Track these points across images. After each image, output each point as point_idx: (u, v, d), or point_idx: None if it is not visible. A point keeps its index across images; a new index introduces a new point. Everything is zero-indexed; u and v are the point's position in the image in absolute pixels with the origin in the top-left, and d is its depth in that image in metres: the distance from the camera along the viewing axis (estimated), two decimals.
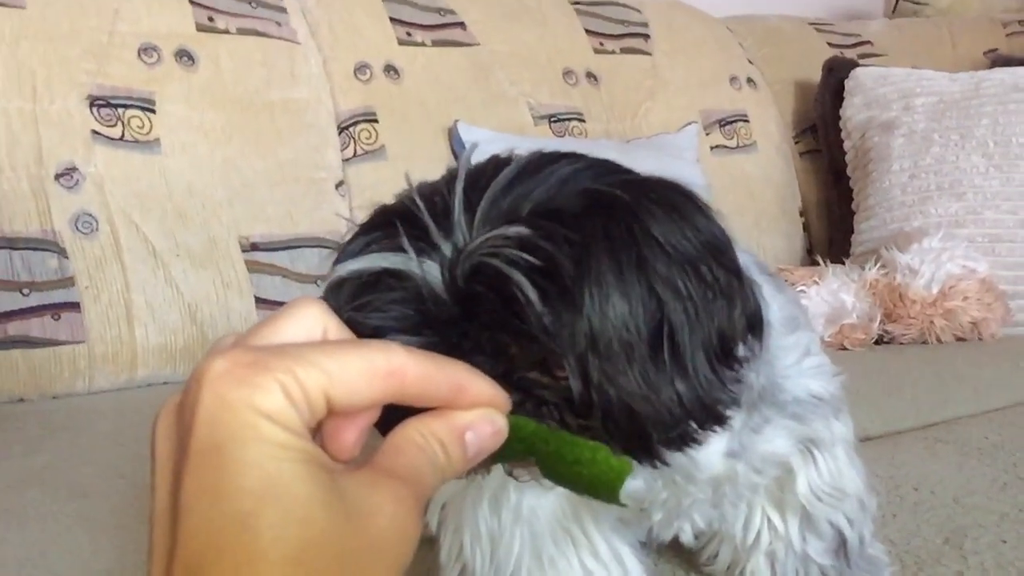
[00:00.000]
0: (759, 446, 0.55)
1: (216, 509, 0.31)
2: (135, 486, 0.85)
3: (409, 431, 0.37)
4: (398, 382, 0.35)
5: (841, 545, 0.61)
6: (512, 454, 0.42)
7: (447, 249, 0.43)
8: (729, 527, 0.62)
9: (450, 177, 0.45)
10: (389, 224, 0.45)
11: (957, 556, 0.68)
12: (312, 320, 0.37)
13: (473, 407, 0.38)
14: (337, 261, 0.46)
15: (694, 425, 0.44)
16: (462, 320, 0.43)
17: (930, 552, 0.69)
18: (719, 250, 0.44)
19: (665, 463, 0.45)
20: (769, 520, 0.61)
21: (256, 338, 0.36)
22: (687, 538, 0.62)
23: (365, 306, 0.44)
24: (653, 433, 0.43)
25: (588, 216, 0.42)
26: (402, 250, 0.43)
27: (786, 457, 0.58)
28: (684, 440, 0.44)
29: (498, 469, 0.57)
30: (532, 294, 0.41)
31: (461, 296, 0.43)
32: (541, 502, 0.58)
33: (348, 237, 0.47)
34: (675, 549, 0.66)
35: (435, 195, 0.45)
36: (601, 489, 0.43)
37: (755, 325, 0.46)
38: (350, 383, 0.34)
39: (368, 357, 0.35)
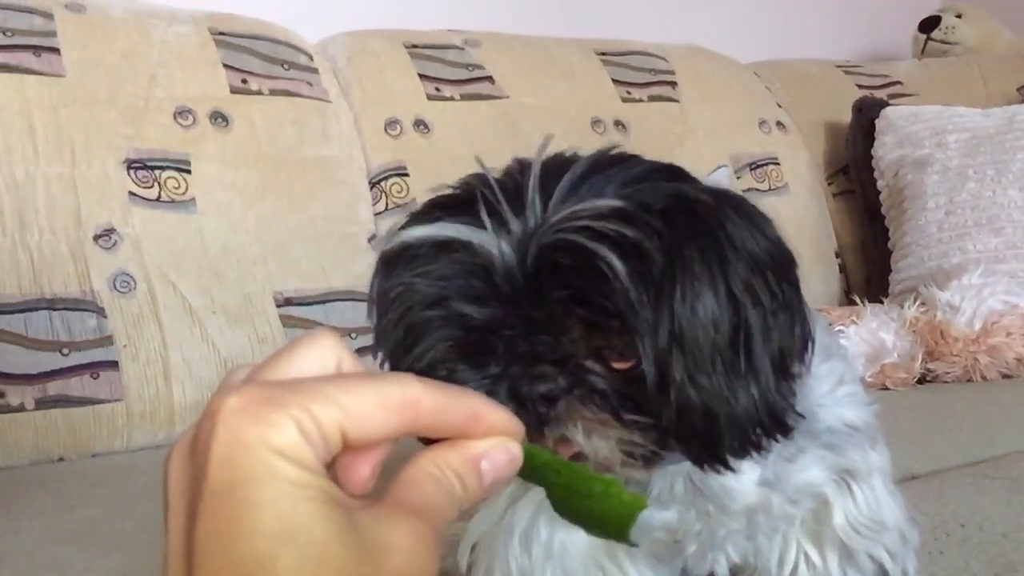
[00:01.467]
0: (793, 476, 0.54)
1: (232, 551, 0.31)
2: None
3: (424, 463, 0.37)
4: (413, 414, 0.35)
5: None
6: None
7: (516, 227, 0.43)
8: (765, 561, 0.61)
9: (520, 166, 0.46)
10: (458, 200, 0.46)
11: None
12: (326, 352, 0.37)
13: (488, 436, 0.38)
14: (401, 229, 0.46)
15: (763, 432, 0.44)
16: (531, 296, 0.43)
17: None
18: (787, 263, 0.45)
19: (731, 469, 0.45)
20: (806, 555, 0.60)
21: (269, 372, 0.36)
22: (722, 571, 0.61)
23: (429, 273, 0.44)
24: (726, 437, 0.43)
25: (674, 213, 0.43)
26: (472, 223, 0.44)
27: (821, 488, 0.57)
28: (754, 446, 0.44)
29: (529, 505, 0.57)
30: (620, 267, 0.41)
31: (533, 271, 0.43)
32: (573, 538, 0.57)
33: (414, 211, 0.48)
34: None
35: (506, 178, 0.45)
36: (611, 526, 0.42)
37: (807, 345, 0.46)
38: (365, 417, 0.34)
39: (382, 390, 0.35)
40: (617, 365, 0.44)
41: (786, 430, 0.45)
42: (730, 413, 0.42)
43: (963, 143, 1.78)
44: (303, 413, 0.32)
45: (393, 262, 0.46)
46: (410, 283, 0.44)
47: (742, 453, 0.44)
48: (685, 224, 0.43)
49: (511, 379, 0.44)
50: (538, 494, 0.57)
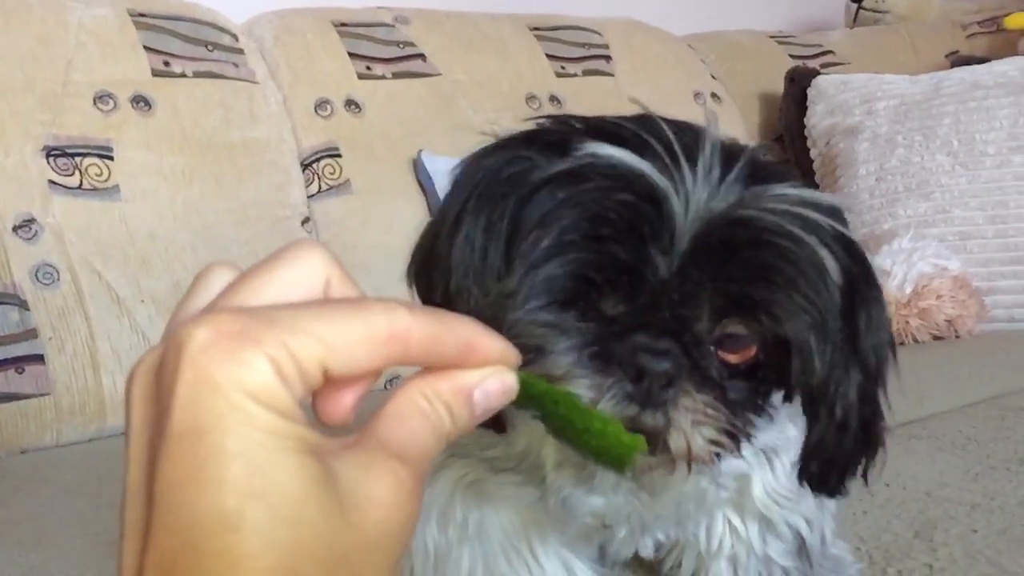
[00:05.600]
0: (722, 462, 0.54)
1: (196, 504, 0.28)
2: (93, 535, 0.83)
3: (412, 394, 0.33)
4: (401, 346, 0.32)
5: (802, 546, 0.60)
6: (520, 410, 0.39)
7: (696, 188, 0.42)
8: (691, 536, 0.61)
9: (678, 127, 0.45)
10: (625, 134, 0.44)
11: (926, 548, 0.66)
12: (314, 268, 0.33)
13: (483, 365, 0.35)
14: (573, 138, 0.44)
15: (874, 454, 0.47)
16: (703, 263, 0.42)
17: (900, 546, 0.67)
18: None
19: (844, 494, 0.48)
20: (730, 524, 0.60)
21: (248, 291, 0.32)
22: (647, 553, 0.61)
23: (601, 202, 0.42)
24: (860, 459, 0.46)
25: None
26: (657, 166, 0.42)
27: (747, 469, 0.57)
28: (866, 469, 0.48)
29: (447, 482, 0.56)
30: (832, 264, 0.41)
31: (711, 242, 0.42)
32: (489, 518, 0.56)
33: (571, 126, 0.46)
34: (637, 560, 0.64)
35: (672, 135, 0.44)
36: (607, 461, 0.40)
37: None
38: (349, 351, 0.31)
39: (369, 321, 0.31)
40: (731, 357, 0.43)
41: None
42: (870, 433, 0.45)
43: (892, 110, 1.81)
44: (280, 350, 0.29)
45: (571, 178, 0.43)
46: (580, 201, 0.42)
47: (856, 476, 0.47)
48: (851, 241, 0.44)
49: (633, 346, 0.42)
50: (457, 471, 0.56)
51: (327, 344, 0.30)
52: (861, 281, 0.43)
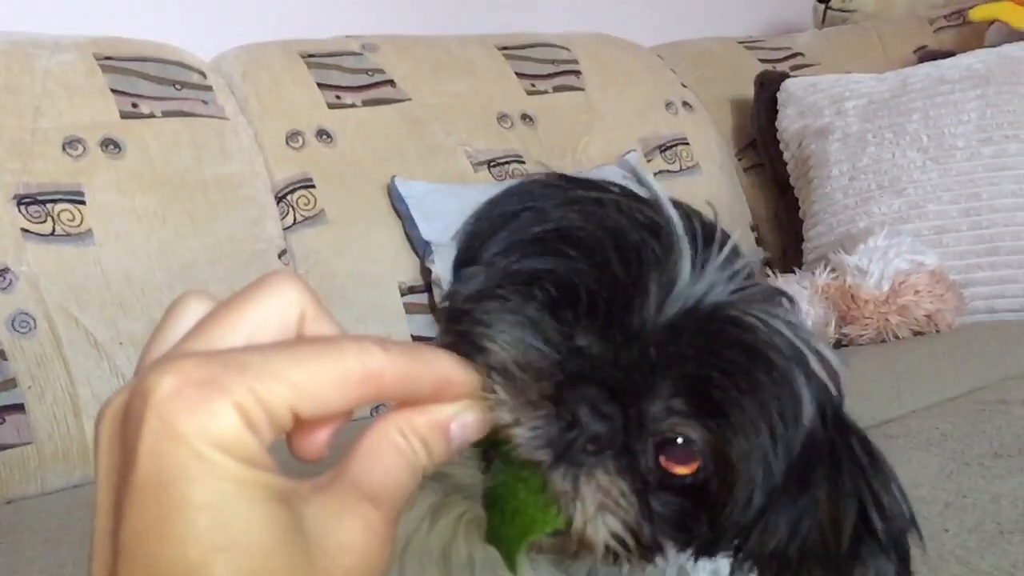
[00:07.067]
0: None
1: (161, 557, 0.28)
2: None
3: (388, 430, 0.33)
4: (375, 386, 0.31)
5: None
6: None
7: (711, 266, 0.39)
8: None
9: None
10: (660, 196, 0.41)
11: None
12: (288, 303, 0.33)
13: (459, 399, 0.35)
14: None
15: None
16: (682, 341, 0.38)
17: None
18: None
19: None
20: None
21: (220, 327, 0.32)
22: None
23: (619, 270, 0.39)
24: None
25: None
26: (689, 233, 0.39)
27: None
28: None
29: (449, 521, 0.56)
30: (808, 407, 0.39)
31: (711, 325, 0.39)
32: (492, 554, 0.56)
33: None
34: None
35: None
36: (510, 526, 0.39)
37: None
38: (319, 394, 0.30)
39: (341, 363, 0.31)
40: (675, 467, 0.39)
41: None
42: None
43: (861, 109, 1.82)
44: (247, 396, 0.29)
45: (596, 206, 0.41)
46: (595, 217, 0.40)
47: None
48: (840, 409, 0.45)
49: (581, 395, 0.38)
50: (458, 510, 0.56)
51: (297, 388, 0.30)
52: (855, 450, 0.43)
